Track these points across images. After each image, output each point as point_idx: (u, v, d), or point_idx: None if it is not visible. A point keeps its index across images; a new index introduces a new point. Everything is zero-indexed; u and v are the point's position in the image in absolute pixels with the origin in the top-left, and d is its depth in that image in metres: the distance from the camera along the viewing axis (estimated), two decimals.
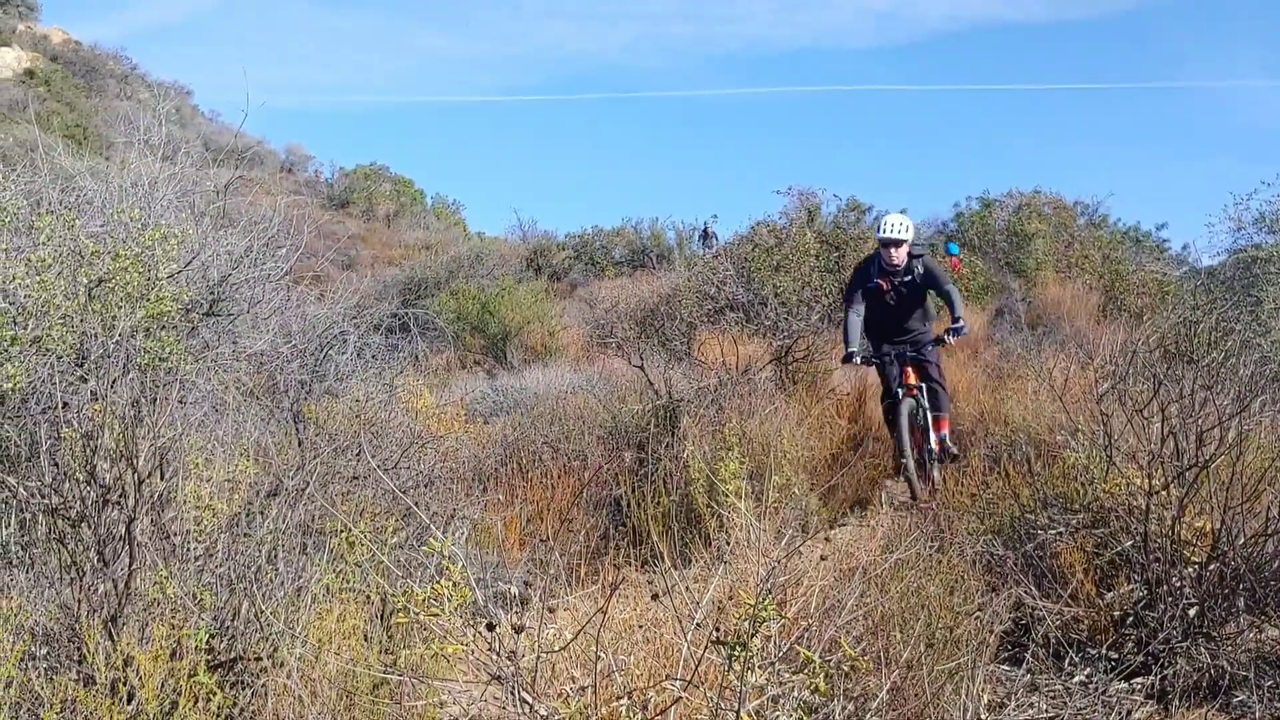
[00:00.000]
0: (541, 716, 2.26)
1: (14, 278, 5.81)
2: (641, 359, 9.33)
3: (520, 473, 8.31)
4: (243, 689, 4.13)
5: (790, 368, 10.79)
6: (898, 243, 8.56)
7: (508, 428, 10.09)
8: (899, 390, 8.59)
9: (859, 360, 8.71)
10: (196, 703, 3.85)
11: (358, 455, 5.68)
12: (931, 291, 8.91)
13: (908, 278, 8.67)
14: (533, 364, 17.25)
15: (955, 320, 8.48)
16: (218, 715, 3.87)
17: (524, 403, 12.13)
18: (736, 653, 2.17)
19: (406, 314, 14.02)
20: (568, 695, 2.34)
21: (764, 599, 2.18)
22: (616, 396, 9.68)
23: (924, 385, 8.68)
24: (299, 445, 5.75)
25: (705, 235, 28.47)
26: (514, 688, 2.35)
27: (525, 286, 22.62)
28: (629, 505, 7.56)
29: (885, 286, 8.72)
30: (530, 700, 2.30)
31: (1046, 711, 4.45)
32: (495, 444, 9.34)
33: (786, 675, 2.39)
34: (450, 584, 2.42)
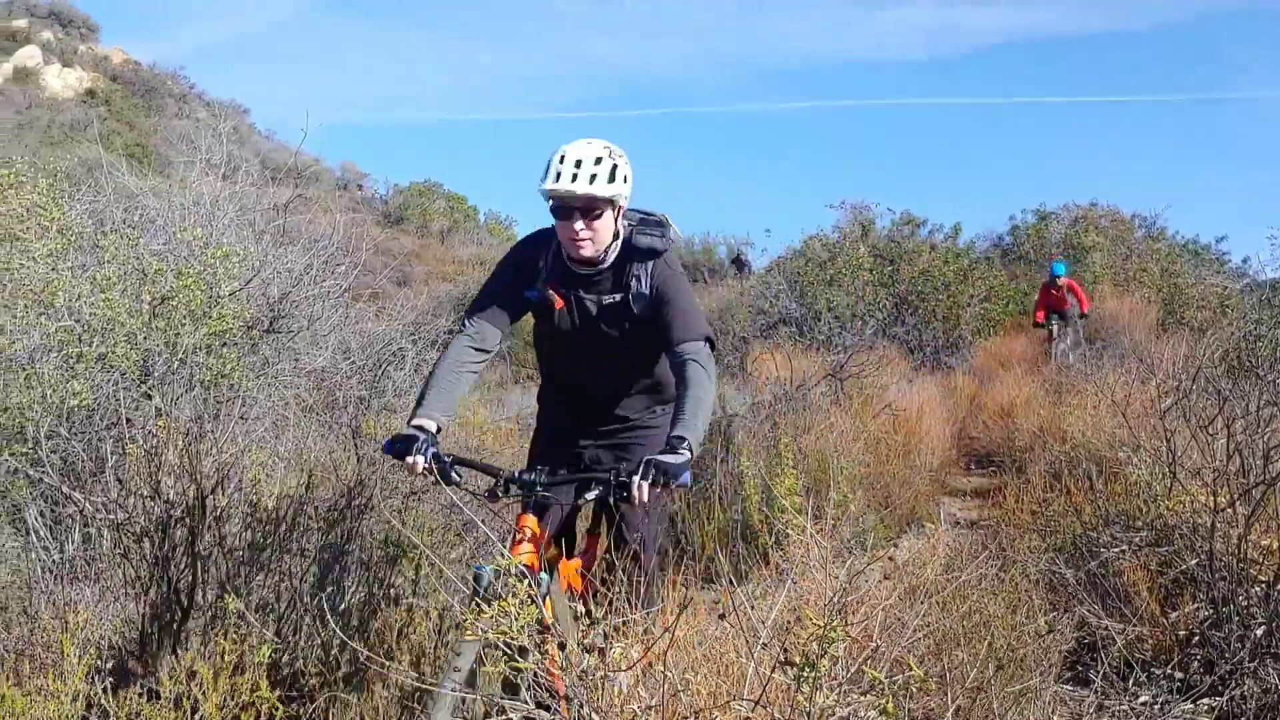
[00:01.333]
0: None
1: (79, 296, 5.92)
2: None
3: None
4: (304, 704, 4.16)
5: (845, 383, 10.72)
6: (589, 203, 3.72)
7: None
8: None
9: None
10: (258, 718, 3.88)
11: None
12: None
13: (615, 295, 3.96)
14: None
15: (673, 434, 3.48)
16: None
17: None
18: (805, 673, 2.16)
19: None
20: (635, 715, 2.33)
21: (832, 619, 2.17)
22: None
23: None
24: (358, 461, 5.80)
25: (737, 263, 28.25)
26: (582, 706, 2.35)
27: None
28: (683, 520, 7.54)
29: (560, 304, 4.01)
30: None
31: None
32: None
33: (855, 696, 2.37)
34: (517, 601, 2.43)
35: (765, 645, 2.47)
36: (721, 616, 2.57)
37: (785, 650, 2.30)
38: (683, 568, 5.64)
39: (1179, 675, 4.76)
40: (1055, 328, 16.85)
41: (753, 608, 2.72)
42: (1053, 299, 17.06)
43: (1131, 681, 4.72)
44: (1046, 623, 4.22)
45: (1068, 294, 17.01)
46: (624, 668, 2.37)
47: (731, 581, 3.37)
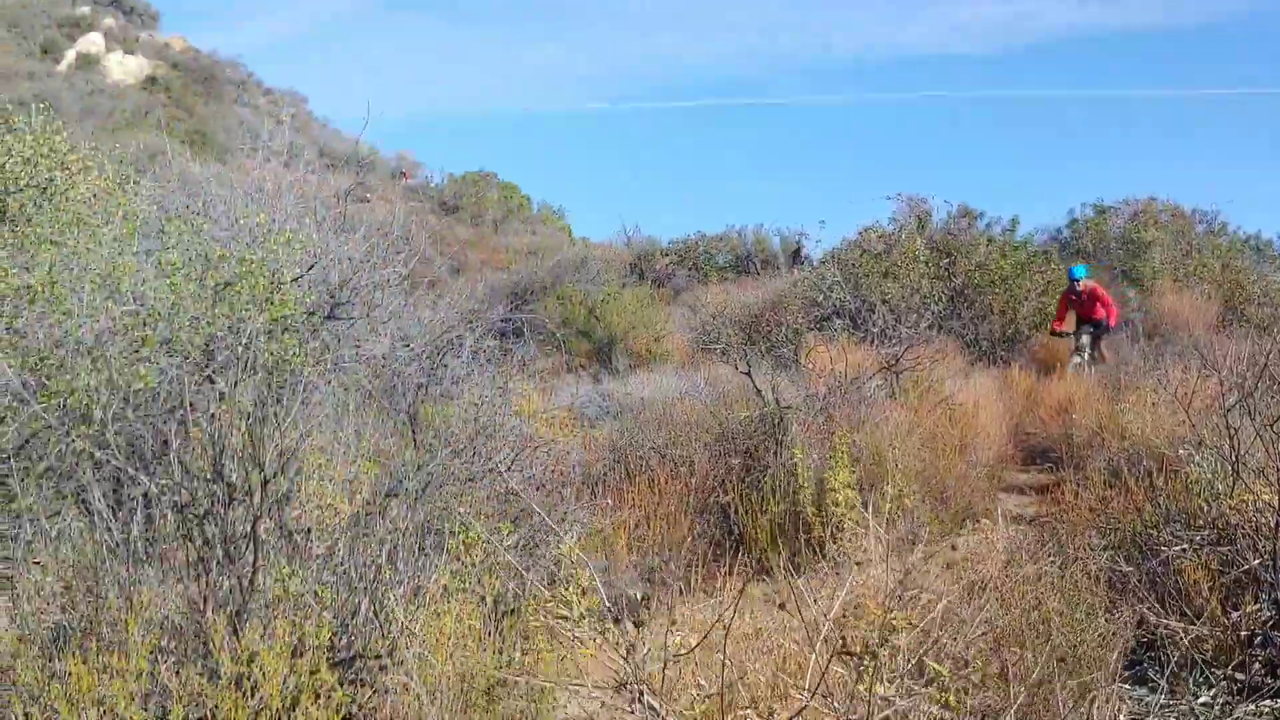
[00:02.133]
0: None
1: (145, 280, 6.00)
2: (748, 365, 9.27)
3: (628, 478, 8.34)
4: (361, 687, 4.21)
5: (900, 376, 10.65)
6: None
7: (614, 432, 10.13)
8: None
9: None
10: (317, 699, 3.93)
11: (472, 457, 5.75)
12: None
13: None
14: (638, 369, 17.30)
15: None
16: (337, 712, 3.95)
17: (630, 408, 12.16)
18: (866, 664, 2.15)
19: (520, 319, 14.16)
20: (694, 701, 2.33)
21: (893, 610, 2.16)
22: (723, 403, 9.64)
23: None
24: (415, 446, 5.85)
25: (795, 254, 28.07)
26: (641, 693, 2.36)
27: (630, 292, 22.67)
28: (737, 513, 7.54)
29: None
30: (657, 706, 2.31)
31: None
32: (603, 448, 9.39)
33: (917, 688, 2.36)
34: (579, 590, 2.44)
35: (826, 639, 2.47)
36: (781, 606, 2.58)
37: (845, 641, 2.30)
38: (738, 559, 5.64)
39: (1240, 676, 4.69)
40: (1085, 339, 14.91)
41: (814, 601, 2.72)
42: (1077, 306, 15.30)
43: (1192, 682, 4.67)
44: (1107, 620, 4.18)
45: (1090, 300, 15.11)
46: (681, 654, 2.38)
47: (790, 574, 3.37)
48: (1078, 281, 15.23)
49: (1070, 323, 15.42)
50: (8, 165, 5.89)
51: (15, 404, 5.16)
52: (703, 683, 2.37)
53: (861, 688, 2.18)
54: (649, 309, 21.41)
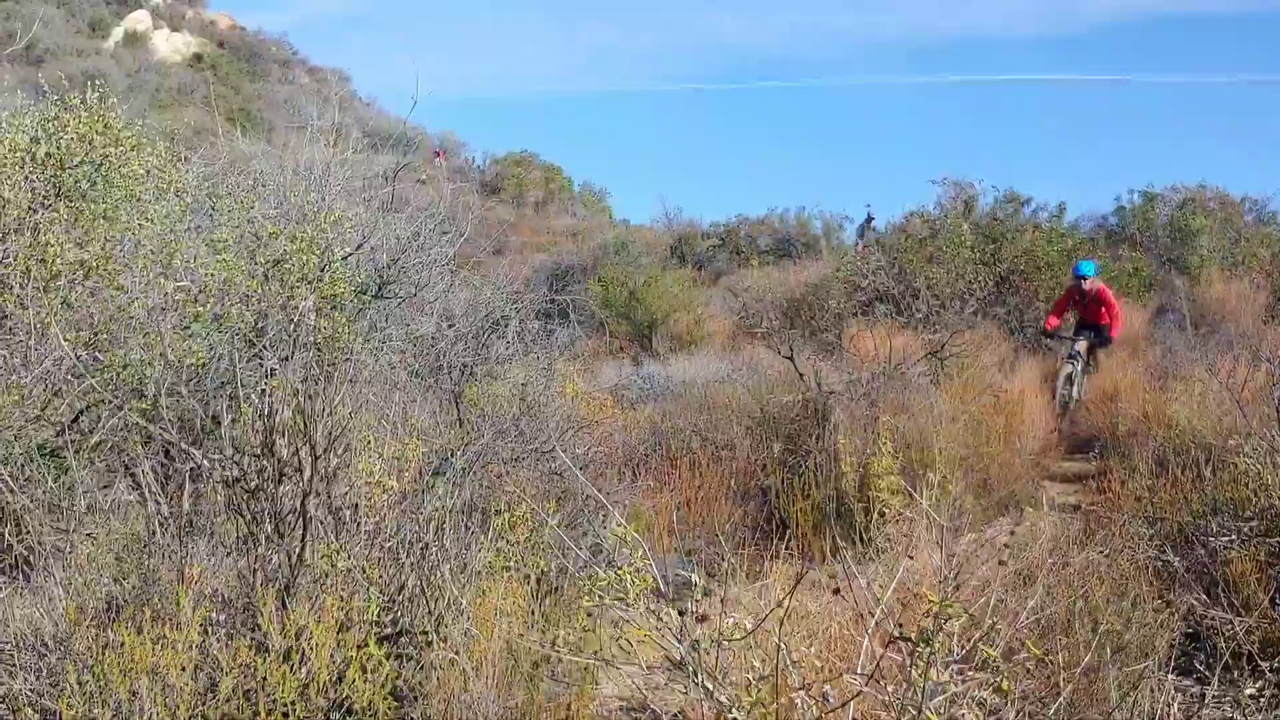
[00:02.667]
0: (721, 704, 2.27)
1: (196, 257, 6.07)
2: (790, 349, 9.25)
3: (669, 460, 8.35)
4: (407, 661, 4.25)
5: (945, 363, 10.58)
6: None
7: (656, 415, 10.15)
8: None
9: None
10: (365, 673, 3.97)
11: (516, 437, 5.78)
12: None
13: None
14: (679, 352, 17.30)
15: None
16: (384, 686, 3.99)
17: (671, 390, 12.18)
18: (921, 649, 2.15)
19: (564, 300, 14.20)
20: (748, 683, 2.35)
21: (948, 596, 2.16)
22: (764, 387, 9.63)
23: None
24: (460, 426, 5.88)
25: (868, 223, 27.80)
26: (696, 673, 2.37)
27: (671, 274, 22.66)
28: (778, 497, 7.53)
29: None
30: (711, 687, 2.32)
31: None
32: (644, 430, 9.40)
33: (970, 674, 2.36)
34: (634, 570, 2.46)
35: (879, 623, 2.47)
36: (835, 591, 2.58)
37: (900, 625, 2.30)
38: (783, 545, 5.63)
39: None
40: (1081, 346, 12.36)
41: (867, 585, 2.72)
42: (1080, 307, 12.91)
43: (1238, 674, 4.63)
44: (1155, 610, 4.15)
45: (1096, 302, 12.72)
46: (736, 636, 2.39)
47: (844, 560, 3.37)
48: (1085, 279, 12.73)
49: (1068, 326, 13.16)
50: (63, 142, 5.96)
51: (70, 378, 5.23)
52: (757, 664, 2.38)
53: (916, 673, 2.18)
54: (690, 292, 21.40)
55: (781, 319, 15.68)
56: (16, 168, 5.74)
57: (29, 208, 5.69)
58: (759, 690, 2.27)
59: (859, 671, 2.30)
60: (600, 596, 2.50)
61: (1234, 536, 5.29)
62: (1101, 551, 4.62)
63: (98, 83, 6.35)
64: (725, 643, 2.37)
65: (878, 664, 2.21)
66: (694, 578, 2.66)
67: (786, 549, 5.87)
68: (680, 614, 2.41)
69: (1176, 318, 16.35)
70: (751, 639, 2.51)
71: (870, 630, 2.43)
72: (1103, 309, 12.60)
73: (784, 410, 8.70)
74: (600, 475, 6.65)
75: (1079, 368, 12.07)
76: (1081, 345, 12.23)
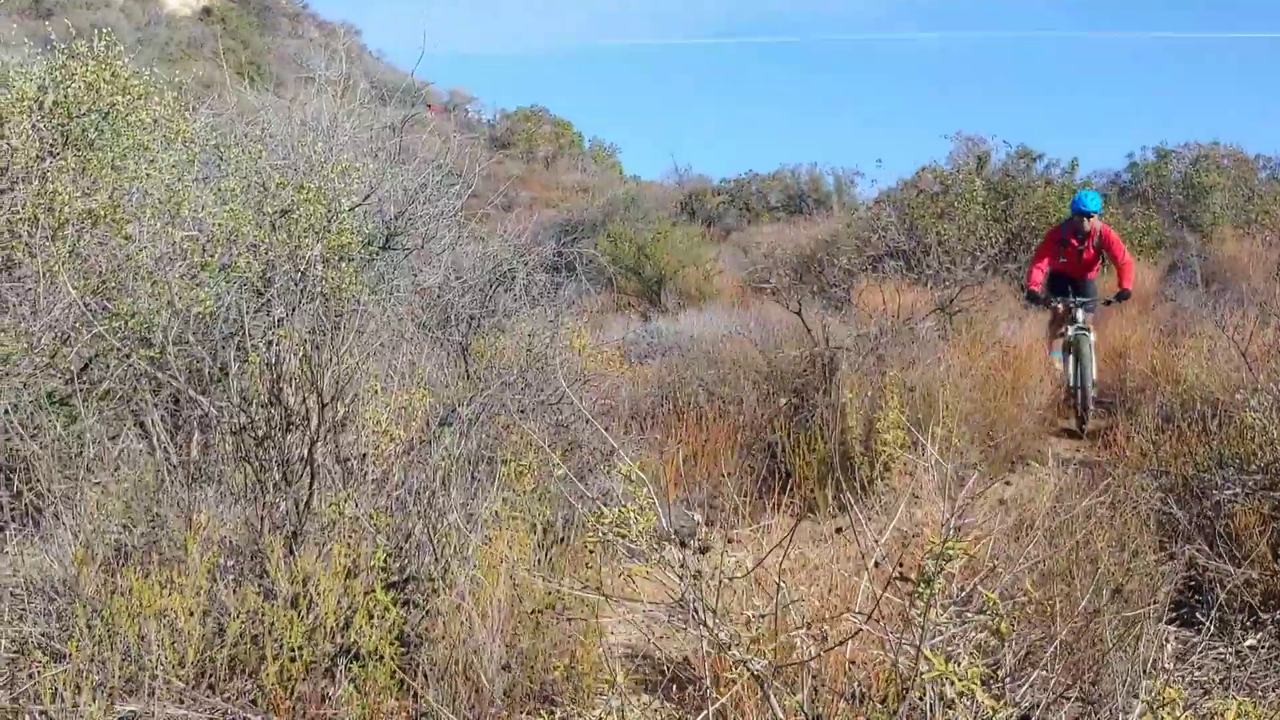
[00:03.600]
0: (721, 640, 2.30)
1: (204, 207, 6.07)
2: (799, 304, 9.24)
3: (676, 414, 8.37)
4: (414, 608, 4.29)
5: (953, 318, 10.57)
6: None
7: (663, 369, 10.16)
8: None
9: None
10: (371, 619, 4.01)
11: (524, 389, 5.80)
12: None
13: None
14: (687, 308, 17.30)
15: None
16: (390, 631, 4.03)
17: (679, 346, 12.19)
18: (921, 590, 2.17)
19: (572, 253, 14.20)
20: (749, 620, 2.37)
21: (950, 538, 2.17)
22: (772, 342, 9.63)
23: None
24: (468, 377, 5.90)
25: None
26: (697, 610, 2.39)
27: (681, 230, 22.62)
28: (784, 451, 7.55)
29: None
30: (712, 624, 2.34)
31: (1218, 672, 4.33)
32: (651, 385, 9.42)
33: (970, 615, 2.38)
34: (637, 507, 2.47)
35: (878, 564, 2.49)
36: (838, 530, 2.59)
37: (901, 566, 2.32)
38: (786, 497, 5.66)
39: None
40: (1080, 314, 9.62)
41: (867, 528, 2.74)
42: (1070, 255, 9.95)
43: (1238, 625, 4.65)
44: (1156, 560, 4.17)
45: (1096, 249, 9.95)
46: (738, 575, 2.41)
47: (839, 511, 3.39)
48: (1089, 216, 9.77)
49: (1057, 284, 10.12)
50: (71, 90, 5.95)
51: (78, 325, 5.25)
52: (758, 602, 2.40)
53: (915, 614, 2.20)
54: (699, 248, 21.37)
55: (791, 275, 15.66)
56: (24, 116, 5.74)
57: (36, 156, 5.69)
58: (758, 628, 2.30)
59: (858, 612, 2.32)
60: (602, 533, 2.52)
61: (1238, 490, 5.31)
62: (1103, 503, 4.63)
63: (105, 31, 6.32)
64: (726, 580, 2.39)
65: (877, 604, 2.23)
66: (695, 516, 2.68)
67: (790, 501, 5.90)
68: (682, 544, 2.44)
69: (1188, 275, 16.29)
70: (753, 581, 2.53)
71: (870, 571, 2.45)
72: (1100, 259, 10.14)
73: (791, 365, 8.70)
74: (606, 429, 6.67)
75: (1090, 343, 9.56)
76: (1082, 315, 9.65)
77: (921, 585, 2.16)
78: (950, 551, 2.11)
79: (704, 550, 2.50)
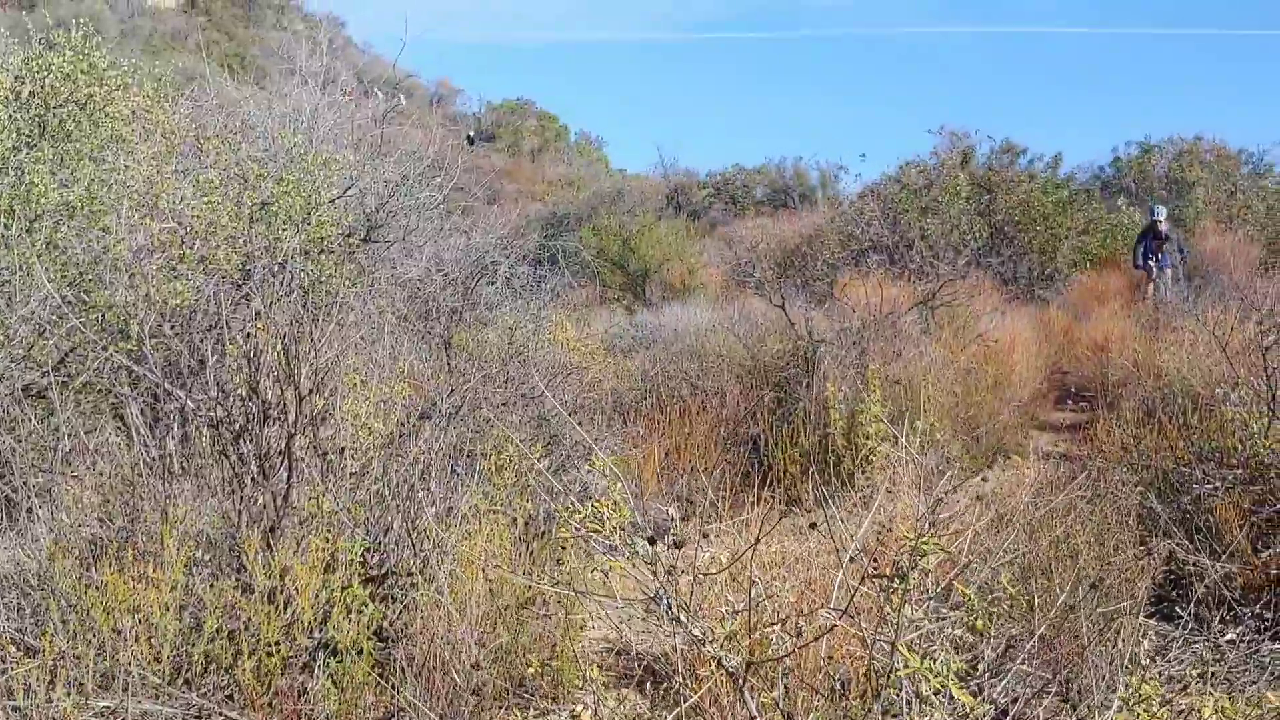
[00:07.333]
0: (695, 636, 2.28)
1: (183, 198, 6.03)
2: (783, 298, 9.22)
3: (659, 407, 8.35)
4: (392, 603, 4.26)
5: (935, 312, 10.57)
6: None
7: (647, 363, 10.14)
8: None
9: None
10: (349, 613, 3.98)
11: (505, 382, 5.77)
12: None
13: None
14: (672, 301, 17.27)
15: None
16: (368, 626, 4.00)
17: (663, 339, 12.16)
18: (895, 585, 2.16)
19: (555, 246, 14.16)
20: (723, 616, 2.36)
21: (925, 534, 2.16)
22: (756, 336, 9.62)
23: None
24: (449, 371, 5.87)
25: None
26: (671, 606, 2.38)
27: (666, 224, 22.59)
28: (767, 444, 7.54)
29: None
30: (685, 620, 2.33)
31: (1196, 667, 4.34)
32: (634, 378, 9.40)
33: (945, 611, 2.37)
34: (611, 503, 2.45)
35: (853, 559, 2.48)
36: (813, 525, 2.58)
37: (875, 562, 2.31)
38: (767, 490, 5.65)
39: (1267, 615, 4.69)
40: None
41: (842, 521, 2.72)
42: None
43: (1218, 619, 4.67)
44: (1135, 554, 4.17)
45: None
46: (712, 570, 2.39)
47: (820, 498, 3.38)
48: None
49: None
50: (47, 81, 5.90)
51: (55, 318, 5.21)
52: (730, 597, 2.39)
53: (890, 609, 2.19)
54: (684, 241, 21.34)
55: (775, 269, 15.65)
56: (0, 106, 5.69)
57: (13, 147, 5.64)
58: (733, 622, 2.29)
59: (834, 608, 2.31)
60: (575, 528, 2.50)
61: (1218, 484, 5.31)
62: (1083, 496, 4.63)
63: (82, 21, 6.27)
64: (701, 576, 2.38)
65: (852, 599, 2.22)
66: (670, 511, 2.66)
67: (771, 494, 5.89)
68: (651, 541, 2.42)
69: (1172, 270, 16.33)
70: (729, 576, 2.52)
71: (846, 566, 2.44)
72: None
73: (774, 358, 8.70)
74: (589, 422, 6.64)
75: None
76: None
77: (896, 580, 2.15)
78: (924, 547, 2.10)
79: (678, 546, 2.48)
